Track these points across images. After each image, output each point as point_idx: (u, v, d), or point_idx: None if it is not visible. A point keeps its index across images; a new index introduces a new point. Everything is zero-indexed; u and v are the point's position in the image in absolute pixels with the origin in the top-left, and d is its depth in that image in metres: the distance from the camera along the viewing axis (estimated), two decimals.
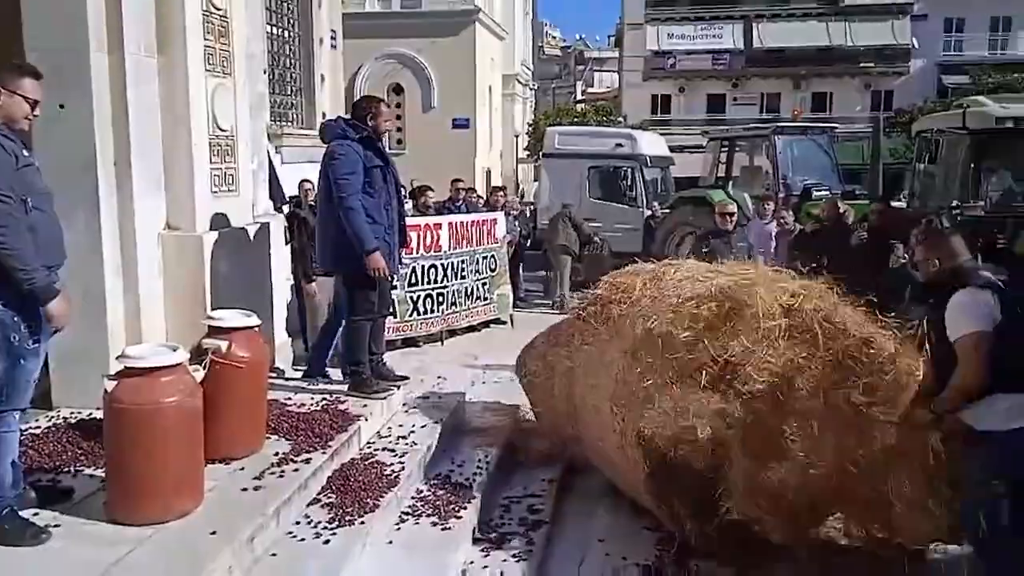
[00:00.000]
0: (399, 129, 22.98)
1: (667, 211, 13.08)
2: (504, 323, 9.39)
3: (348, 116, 5.29)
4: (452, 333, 8.62)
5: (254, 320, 3.94)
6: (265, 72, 7.46)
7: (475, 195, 11.76)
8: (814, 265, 4.27)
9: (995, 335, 3.27)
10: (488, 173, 24.29)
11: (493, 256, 9.07)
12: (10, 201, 2.87)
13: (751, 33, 37.82)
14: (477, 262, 8.77)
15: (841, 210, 8.43)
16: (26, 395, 3.05)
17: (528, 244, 12.15)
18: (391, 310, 5.90)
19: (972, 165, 7.83)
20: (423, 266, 7.99)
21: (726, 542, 3.79)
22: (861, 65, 37.62)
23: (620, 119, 32.34)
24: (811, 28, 37.31)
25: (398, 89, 23.21)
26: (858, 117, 29.66)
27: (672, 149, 17.10)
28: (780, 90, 38.36)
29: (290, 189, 8.16)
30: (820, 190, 11.57)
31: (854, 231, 8.02)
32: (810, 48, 37.24)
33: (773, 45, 37.49)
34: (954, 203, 7.95)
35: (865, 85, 38.11)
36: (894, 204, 9.59)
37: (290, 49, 10.65)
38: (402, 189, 5.67)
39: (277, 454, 3.87)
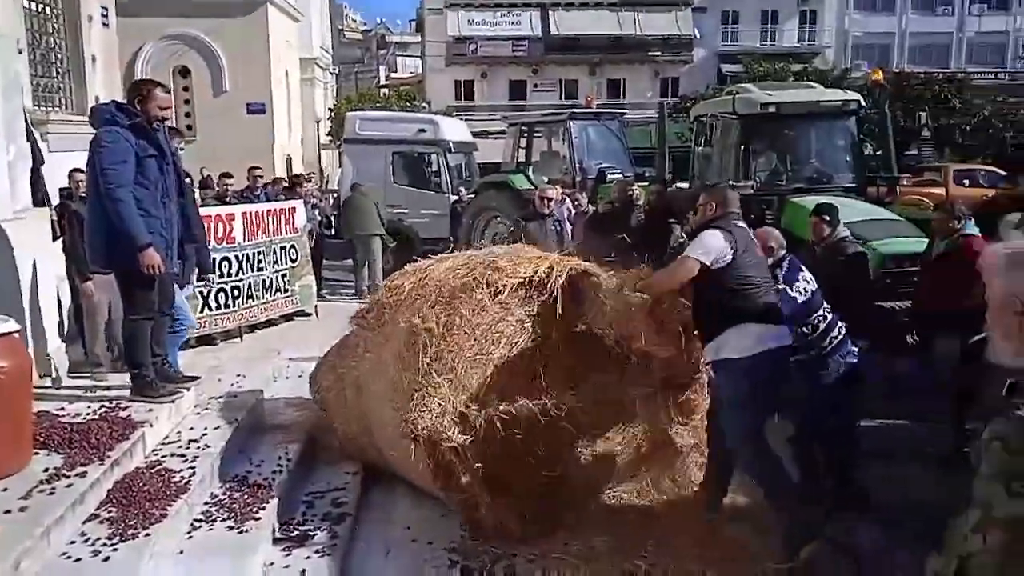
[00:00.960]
0: (188, 115, 21.60)
1: (472, 196, 13.23)
2: (308, 315, 9.13)
3: (123, 100, 4.88)
4: (253, 328, 8.27)
5: (12, 325, 3.57)
6: (21, 51, 6.75)
7: (282, 183, 11.32)
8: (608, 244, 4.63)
9: (729, 271, 3.90)
10: (289, 160, 23.44)
11: (293, 246, 8.76)
12: None
13: (548, 21, 39.01)
14: (275, 253, 8.44)
15: (630, 191, 8.90)
16: None
17: (332, 233, 11.88)
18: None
19: (742, 147, 8.50)
20: (215, 259, 7.54)
21: (516, 519, 3.95)
22: (650, 53, 39.94)
23: (424, 104, 32.33)
24: (603, 17, 39.10)
25: (185, 72, 21.75)
26: (649, 103, 31.36)
27: (476, 135, 17.30)
28: (578, 77, 39.90)
29: (60, 180, 7.44)
30: (614, 173, 12.16)
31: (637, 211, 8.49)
32: (603, 36, 39.03)
33: (569, 33, 38.89)
34: (728, 182, 8.60)
35: (655, 73, 40.52)
36: (679, 185, 10.24)
37: (53, 27, 9.69)
38: (186, 181, 5.26)
39: (47, 470, 3.54)
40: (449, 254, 4.78)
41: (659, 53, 40.10)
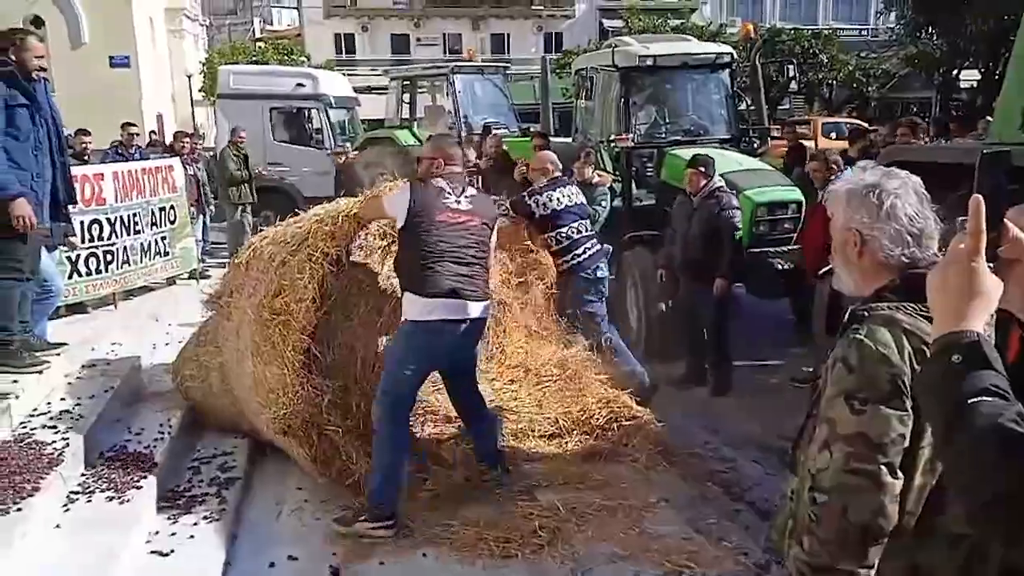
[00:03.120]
0: (43, 68, 20.09)
1: (356, 152, 12.94)
2: (191, 280, 8.78)
3: None
4: (130, 295, 7.88)
5: None
6: None
7: (158, 142, 10.76)
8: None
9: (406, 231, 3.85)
10: (160, 117, 22.26)
11: (172, 207, 8.35)
12: None
13: None
14: (153, 214, 8.02)
15: (504, 147, 8.94)
16: None
17: (214, 193, 11.40)
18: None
19: (622, 100, 8.62)
20: (82, 221, 7.10)
21: None
22: (533, 7, 39.82)
23: (303, 59, 31.20)
24: None
25: (38, 22, 20.14)
26: (533, 58, 31.33)
27: (359, 90, 16.87)
28: (461, 31, 39.40)
29: None
30: (498, 128, 12.13)
31: (516, 166, 8.54)
32: None
33: None
34: (610, 136, 8.75)
35: (538, 28, 40.47)
36: (559, 140, 10.32)
37: None
38: (64, 136, 4.93)
39: None
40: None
41: (541, 7, 40.06)
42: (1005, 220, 1.40)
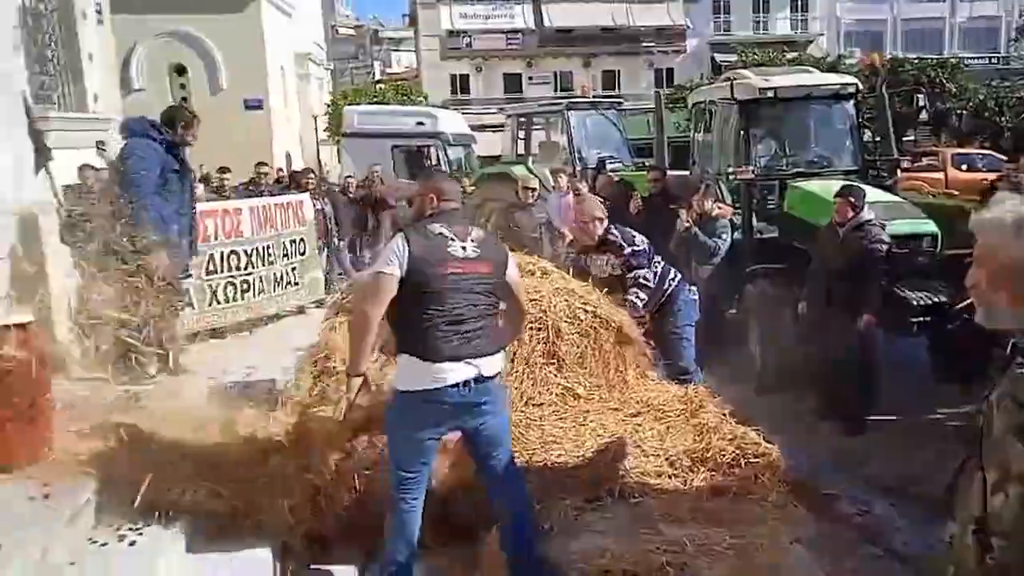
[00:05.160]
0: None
1: (473, 188, 13.27)
2: (319, 307, 9.14)
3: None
4: (270, 320, 8.29)
5: (27, 316, 3.60)
6: (16, 49, 6.75)
7: (284, 179, 11.42)
8: None
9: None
10: (289, 156, 23.43)
11: (302, 239, 8.79)
12: None
13: (541, 13, 38.99)
14: (284, 246, 8.46)
15: (616, 180, 8.94)
16: None
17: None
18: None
19: (741, 132, 8.52)
20: (222, 252, 7.59)
21: None
22: (643, 44, 39.92)
23: (421, 99, 32.28)
24: (596, 9, 39.05)
25: (181, 70, 21.71)
26: (645, 94, 31.38)
27: (473, 128, 17.33)
28: (572, 69, 39.89)
29: (62, 176, 7.43)
30: (613, 162, 12.18)
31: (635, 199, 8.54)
32: (596, 28, 39.01)
33: (562, 25, 38.87)
34: (728, 168, 8.63)
35: (648, 63, 40.52)
36: (677, 172, 10.26)
37: (48, 24, 9.66)
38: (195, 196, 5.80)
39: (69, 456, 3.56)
40: None
41: (652, 43, 40.11)
42: None
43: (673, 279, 5.39)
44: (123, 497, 3.37)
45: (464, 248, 3.28)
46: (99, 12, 10.44)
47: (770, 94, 8.45)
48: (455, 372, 3.21)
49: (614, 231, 5.27)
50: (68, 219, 6.12)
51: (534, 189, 7.46)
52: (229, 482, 3.67)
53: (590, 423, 4.67)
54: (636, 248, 5.20)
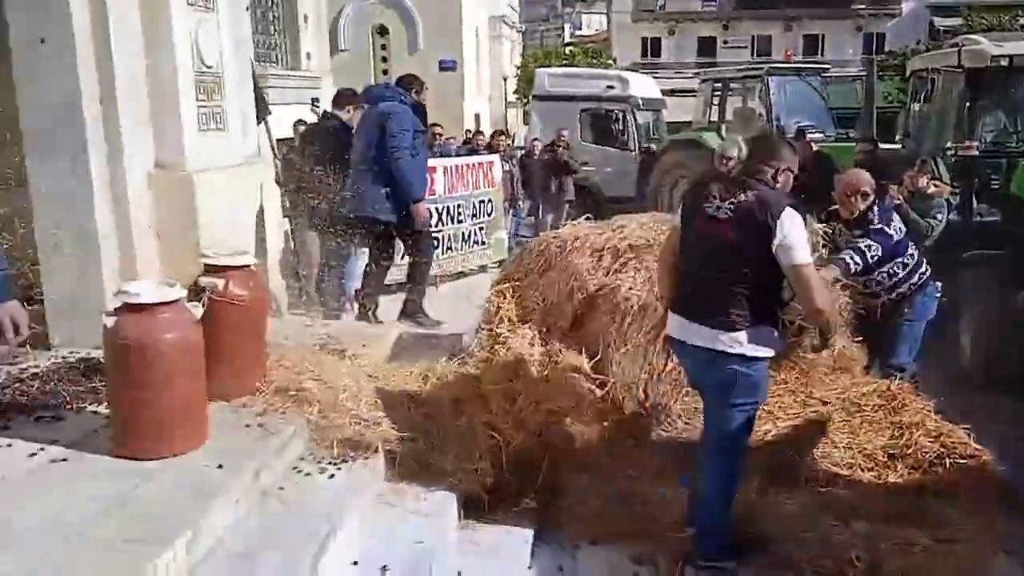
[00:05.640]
0: (385, 72, 22.54)
1: (661, 153, 13.00)
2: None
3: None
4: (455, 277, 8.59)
5: (250, 259, 3.90)
6: (248, 10, 7.28)
7: (480, 137, 11.72)
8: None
9: None
10: (477, 117, 23.95)
11: (490, 200, 8.98)
12: None
13: None
14: (474, 206, 8.68)
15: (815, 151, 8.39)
16: None
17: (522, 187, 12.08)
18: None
19: (967, 104, 7.75)
20: None
21: None
22: (852, 7, 37.20)
23: (610, 62, 31.91)
24: None
25: (383, 30, 22.60)
26: (850, 60, 29.36)
27: (664, 92, 16.90)
28: (771, 32, 37.93)
29: (278, 130, 8.00)
30: (813, 132, 11.48)
31: (836, 173, 7.97)
32: None
33: None
34: (948, 144, 7.90)
35: (857, 28, 37.79)
36: (886, 147, 9.53)
37: None
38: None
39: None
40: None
41: (862, 6, 37.27)
42: None
43: (924, 272, 4.96)
44: (325, 433, 3.61)
45: (719, 209, 3.34)
46: None
47: (1004, 62, 7.62)
48: (671, 325, 3.55)
49: (875, 210, 4.88)
50: (286, 170, 6.62)
51: (731, 158, 7.14)
52: (421, 429, 3.85)
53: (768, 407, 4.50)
54: (887, 232, 4.78)
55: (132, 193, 4.28)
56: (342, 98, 6.67)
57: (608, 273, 4.52)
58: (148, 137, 4.44)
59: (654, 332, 4.20)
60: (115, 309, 3.06)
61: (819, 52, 36.35)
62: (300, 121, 7.64)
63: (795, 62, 15.66)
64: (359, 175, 5.76)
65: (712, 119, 13.17)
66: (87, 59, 4.07)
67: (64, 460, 3.02)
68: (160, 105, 4.46)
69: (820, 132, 11.58)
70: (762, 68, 13.16)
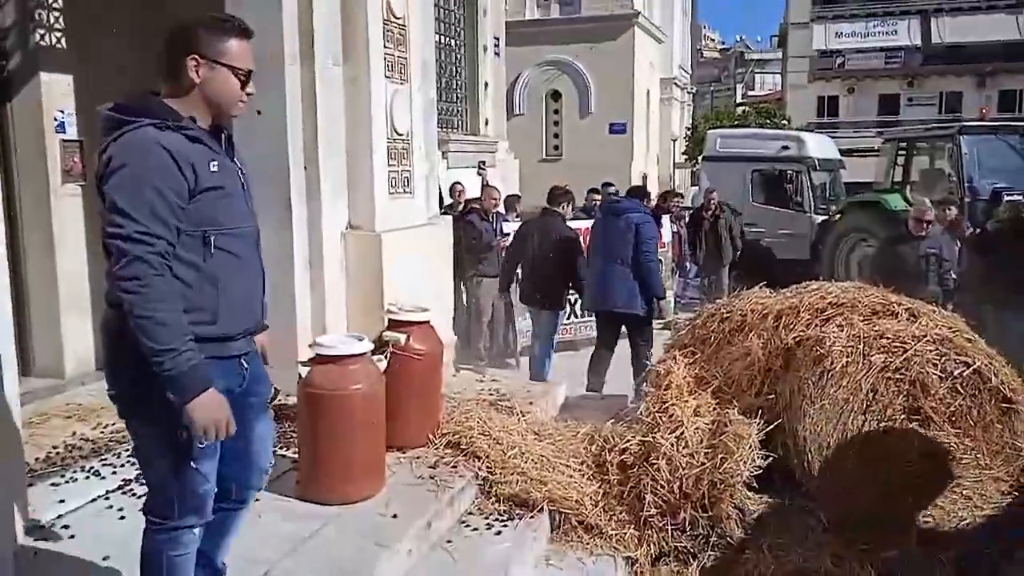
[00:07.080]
0: (556, 135, 23.14)
1: (838, 216, 12.46)
2: (664, 329, 9.23)
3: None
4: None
5: (430, 315, 4.09)
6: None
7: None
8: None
9: None
10: (645, 178, 24.00)
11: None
12: (159, 242, 2.01)
13: (929, 28, 35.40)
14: None
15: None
16: (204, 508, 2.29)
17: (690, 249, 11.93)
18: None
19: None
20: None
21: None
22: None
23: (784, 121, 31.12)
24: (998, 21, 34.39)
25: (556, 95, 23.30)
26: None
27: (841, 153, 16.27)
28: (961, 88, 35.65)
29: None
30: (1012, 194, 10.63)
31: None
32: (996, 43, 34.40)
33: (954, 40, 34.92)
34: None
35: None
36: None
37: (456, 57, 11.01)
38: None
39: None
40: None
41: None
42: None
43: None
44: (493, 489, 3.69)
45: None
46: (496, 46, 11.68)
47: None
48: None
49: None
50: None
51: (929, 221, 6.78)
52: (586, 491, 3.84)
53: (961, 491, 4.13)
54: None
55: (327, 251, 4.62)
56: (562, 197, 7.10)
57: (808, 327, 4.34)
58: (344, 199, 4.80)
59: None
60: (308, 360, 3.30)
61: (1017, 109, 33.72)
62: (457, 183, 7.97)
63: (991, 120, 14.59)
64: (610, 272, 6.42)
65: (896, 180, 12.50)
66: (296, 128, 4.47)
67: (256, 500, 3.26)
68: (356, 169, 4.81)
69: (1019, 193, 10.69)
70: (953, 127, 12.39)
